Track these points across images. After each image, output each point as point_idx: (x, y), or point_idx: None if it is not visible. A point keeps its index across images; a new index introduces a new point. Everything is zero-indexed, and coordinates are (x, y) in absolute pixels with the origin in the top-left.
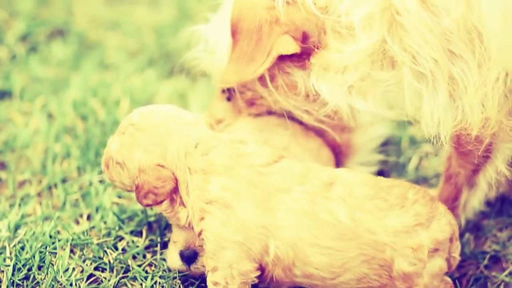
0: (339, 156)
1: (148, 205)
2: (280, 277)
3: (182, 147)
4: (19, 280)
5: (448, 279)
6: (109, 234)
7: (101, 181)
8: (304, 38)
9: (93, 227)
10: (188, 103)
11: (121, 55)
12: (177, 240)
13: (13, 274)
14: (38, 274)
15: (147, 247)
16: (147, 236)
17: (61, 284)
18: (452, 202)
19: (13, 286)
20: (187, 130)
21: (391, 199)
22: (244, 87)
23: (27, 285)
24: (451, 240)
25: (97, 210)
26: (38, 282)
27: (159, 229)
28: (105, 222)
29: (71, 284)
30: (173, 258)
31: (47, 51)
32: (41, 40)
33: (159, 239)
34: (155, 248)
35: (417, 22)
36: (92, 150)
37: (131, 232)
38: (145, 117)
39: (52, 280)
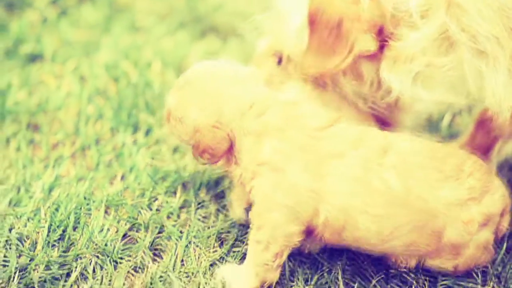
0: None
1: (204, 163)
2: (328, 240)
3: (237, 108)
4: (54, 241)
5: (491, 249)
6: (143, 195)
7: (134, 142)
8: (380, 32)
9: (127, 188)
10: None
11: (152, 17)
12: (241, 197)
13: (48, 235)
14: (73, 234)
15: (181, 207)
16: (181, 196)
17: (96, 244)
18: (483, 151)
19: (49, 247)
20: (243, 90)
21: (446, 170)
22: None
23: (62, 246)
24: (502, 213)
25: (130, 170)
26: (73, 243)
27: (193, 188)
28: (139, 183)
29: (106, 244)
30: (237, 214)
31: (78, 14)
32: (71, 3)
33: (193, 199)
34: (189, 208)
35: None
36: (125, 111)
37: (165, 192)
38: (200, 74)
39: (87, 241)
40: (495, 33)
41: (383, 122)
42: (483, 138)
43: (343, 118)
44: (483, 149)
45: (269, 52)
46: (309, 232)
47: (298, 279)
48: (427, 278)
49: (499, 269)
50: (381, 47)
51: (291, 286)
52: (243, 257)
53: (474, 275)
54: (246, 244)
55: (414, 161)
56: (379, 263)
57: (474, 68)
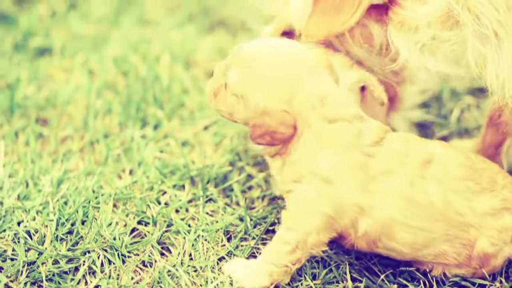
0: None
1: (260, 144)
2: (360, 247)
3: (309, 100)
4: (63, 234)
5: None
6: (151, 189)
7: (143, 136)
8: None
9: (135, 182)
10: None
11: (161, 10)
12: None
13: (56, 229)
14: (82, 228)
15: (189, 201)
16: (189, 190)
17: (104, 238)
18: (495, 148)
19: (57, 241)
20: (316, 80)
21: (483, 182)
22: None
23: (70, 240)
24: None
25: (139, 165)
26: (81, 237)
27: (202, 182)
28: (147, 177)
29: (114, 238)
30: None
31: (87, 8)
32: None
33: (201, 193)
34: (198, 202)
35: None
36: (134, 105)
37: (174, 186)
38: (270, 54)
39: (95, 234)
40: (498, 17)
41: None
42: (494, 136)
43: (389, 127)
44: (494, 148)
45: (277, 33)
46: (341, 238)
47: (306, 274)
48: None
49: (508, 264)
50: (387, 9)
51: (299, 281)
52: (251, 252)
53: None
54: (254, 239)
55: (455, 173)
56: (388, 258)
57: (477, 49)
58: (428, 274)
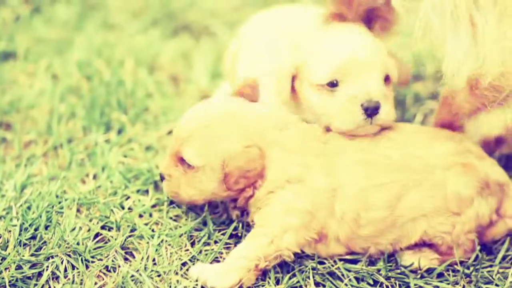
0: None
1: (239, 190)
2: (346, 236)
3: (260, 124)
4: (26, 239)
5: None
6: (115, 193)
7: (106, 141)
8: None
9: (99, 187)
10: (192, 62)
11: (125, 15)
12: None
13: (20, 234)
14: (45, 233)
15: (153, 206)
16: (153, 195)
17: (68, 243)
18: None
19: (20, 246)
20: (261, 109)
21: (440, 134)
22: None
23: (34, 245)
24: (502, 189)
25: (103, 169)
26: (45, 242)
27: None
28: (111, 182)
29: (78, 243)
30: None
31: (51, 12)
32: (44, 1)
33: (165, 198)
34: (162, 207)
35: None
36: (97, 110)
37: (137, 191)
38: (210, 114)
39: (59, 240)
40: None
41: None
42: (447, 116)
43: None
44: (448, 127)
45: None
46: (319, 240)
47: (269, 278)
48: (399, 278)
49: (471, 268)
50: None
51: (263, 286)
52: (214, 257)
53: (446, 274)
54: (217, 243)
55: (408, 128)
56: (351, 263)
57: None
58: (391, 279)
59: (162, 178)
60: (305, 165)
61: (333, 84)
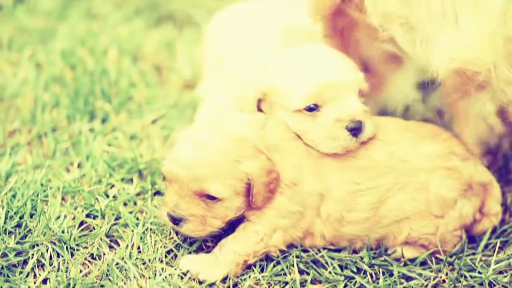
0: None
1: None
2: (331, 234)
3: (256, 132)
4: (11, 227)
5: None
6: (99, 182)
7: (91, 129)
8: None
9: (84, 175)
10: (175, 52)
11: (108, 4)
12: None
13: (5, 222)
14: (30, 221)
15: (137, 194)
16: (137, 183)
17: (53, 231)
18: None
19: (6, 234)
20: (247, 118)
21: (425, 132)
22: None
23: (19, 233)
24: (485, 188)
25: (87, 158)
26: (30, 230)
27: (150, 176)
28: (95, 170)
29: (63, 231)
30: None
31: (34, 1)
32: None
33: (149, 186)
34: (146, 195)
35: None
36: (81, 99)
37: (122, 180)
38: (215, 143)
39: (44, 228)
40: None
41: None
42: None
43: None
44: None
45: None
46: (305, 237)
47: (254, 266)
48: (382, 266)
49: (454, 257)
50: None
51: (248, 274)
52: (199, 245)
53: (429, 262)
54: None
55: (393, 127)
56: (334, 251)
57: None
58: (375, 266)
59: (177, 221)
60: (299, 167)
61: (311, 109)
